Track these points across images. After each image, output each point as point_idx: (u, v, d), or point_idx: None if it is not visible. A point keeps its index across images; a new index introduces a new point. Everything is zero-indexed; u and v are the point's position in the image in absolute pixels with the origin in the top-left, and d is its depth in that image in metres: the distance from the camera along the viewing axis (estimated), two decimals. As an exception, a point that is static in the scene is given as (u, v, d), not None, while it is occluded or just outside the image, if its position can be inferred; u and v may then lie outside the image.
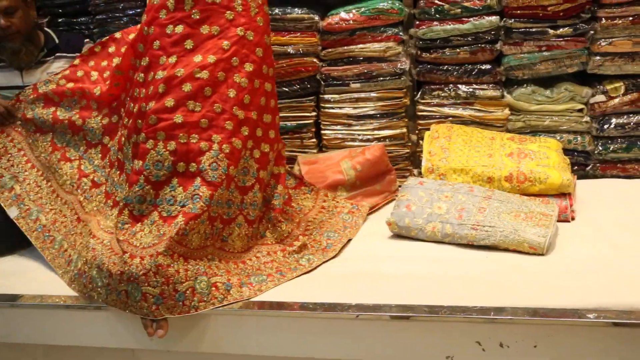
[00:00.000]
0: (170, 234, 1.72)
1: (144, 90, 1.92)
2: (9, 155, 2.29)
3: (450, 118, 2.65)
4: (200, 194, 1.76)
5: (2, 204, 2.20)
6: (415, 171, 2.64)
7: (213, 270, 1.81)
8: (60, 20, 2.93)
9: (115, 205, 2.00)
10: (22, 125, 2.25)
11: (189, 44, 1.88)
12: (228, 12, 1.90)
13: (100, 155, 2.15)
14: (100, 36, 2.82)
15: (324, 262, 1.99)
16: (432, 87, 2.66)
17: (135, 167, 1.83)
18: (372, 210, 2.41)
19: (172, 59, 1.87)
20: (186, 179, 1.79)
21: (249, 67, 1.90)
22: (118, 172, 2.08)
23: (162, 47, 1.90)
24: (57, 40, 2.61)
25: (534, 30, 2.50)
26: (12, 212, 2.16)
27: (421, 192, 2.16)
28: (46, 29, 2.70)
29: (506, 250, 1.95)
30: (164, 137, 1.81)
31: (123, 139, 2.03)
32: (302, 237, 2.02)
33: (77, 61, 2.18)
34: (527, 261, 1.85)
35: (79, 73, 2.17)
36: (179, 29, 1.87)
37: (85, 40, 2.71)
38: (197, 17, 1.88)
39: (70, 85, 2.18)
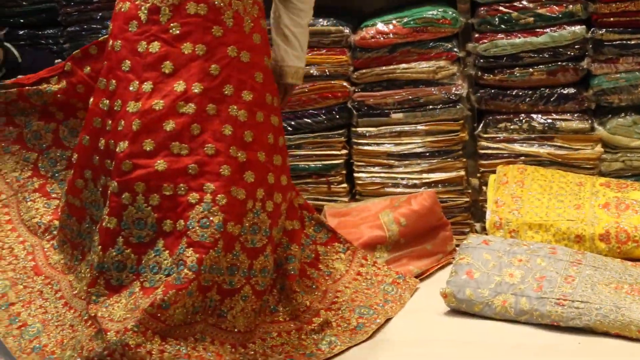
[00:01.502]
0: (143, 305, 1.70)
1: (110, 122, 1.90)
2: None
3: (523, 157, 2.60)
4: (185, 259, 1.73)
5: None
6: (478, 226, 2.61)
7: (199, 352, 1.73)
8: (21, 32, 2.91)
9: (84, 258, 2.01)
10: None
11: (167, 67, 1.85)
12: (215, 27, 1.89)
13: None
14: (71, 52, 2.79)
15: (350, 348, 1.91)
16: (498, 117, 2.62)
17: (109, 224, 1.82)
18: (421, 277, 2.37)
19: (147, 87, 1.84)
20: (174, 239, 1.78)
21: (247, 95, 1.88)
22: (74, 218, 2.09)
23: (134, 69, 1.87)
24: (19, 59, 2.65)
25: (632, 42, 2.45)
26: None
27: (486, 255, 2.14)
28: (6, 43, 2.69)
29: (606, 334, 1.88)
30: (143, 189, 1.81)
31: (78, 179, 2.04)
32: (324, 312, 1.93)
33: (67, 66, 2.17)
34: (638, 350, 1.78)
35: (79, 88, 2.15)
36: (155, 47, 1.85)
37: (57, 60, 2.72)
38: (177, 32, 1.87)
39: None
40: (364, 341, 1.95)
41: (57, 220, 2.15)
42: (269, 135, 1.93)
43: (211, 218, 1.77)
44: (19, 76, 2.50)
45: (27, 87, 2.13)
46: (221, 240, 1.78)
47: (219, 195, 1.79)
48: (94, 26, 2.84)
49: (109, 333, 1.67)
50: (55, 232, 2.15)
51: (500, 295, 2.01)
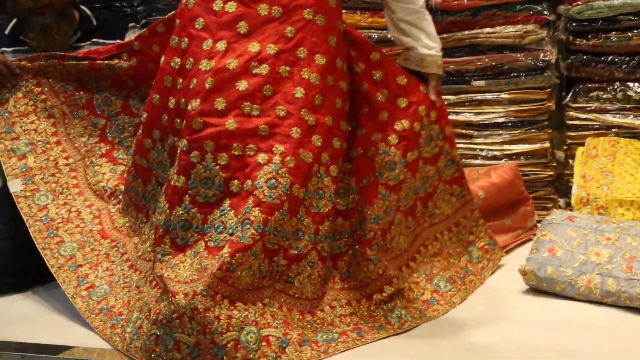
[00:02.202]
0: (212, 269, 1.71)
1: (181, 80, 1.91)
2: (35, 118, 2.28)
3: (615, 129, 2.53)
4: (252, 218, 1.74)
5: (4, 172, 2.19)
6: (562, 202, 2.57)
7: (267, 319, 1.74)
8: (96, -5, 2.93)
9: (149, 220, 2.05)
10: (63, 86, 2.28)
11: (242, 28, 1.86)
12: None
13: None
14: (146, 17, 2.80)
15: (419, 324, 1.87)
16: (589, 86, 2.57)
17: (177, 183, 1.83)
18: None
19: (221, 46, 1.85)
20: (240, 200, 1.79)
21: (320, 59, 1.88)
22: (140, 179, 2.12)
23: (207, 27, 1.88)
24: (94, 22, 2.62)
25: None
26: (14, 186, 2.14)
27: (571, 232, 2.09)
28: (81, 6, 2.70)
29: None
30: (213, 147, 1.81)
31: (147, 139, 2.07)
32: (396, 280, 1.89)
33: (136, 45, 2.19)
34: None
35: (150, 65, 2.15)
36: (231, 6, 1.85)
37: (130, 24, 2.71)
38: None
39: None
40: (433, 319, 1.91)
41: (122, 185, 2.19)
42: (337, 100, 1.93)
43: (279, 179, 1.77)
44: (94, 39, 2.57)
45: (98, 62, 2.18)
46: (287, 202, 1.78)
47: (287, 157, 1.80)
48: (164, -10, 2.88)
49: (177, 296, 1.67)
50: (120, 197, 2.19)
51: (585, 275, 1.96)
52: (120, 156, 2.25)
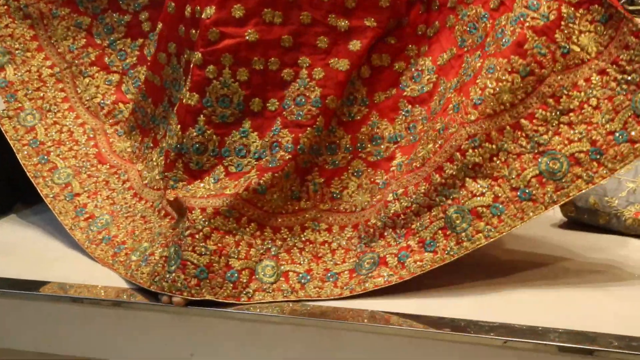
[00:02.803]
0: (236, 189, 1.67)
1: None
2: (9, 20, 2.13)
3: None
4: (280, 139, 1.72)
5: None
6: None
7: (292, 255, 1.70)
8: None
9: (156, 146, 1.99)
10: None
11: None
12: None
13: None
14: None
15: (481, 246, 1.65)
16: None
17: (190, 101, 1.77)
18: None
19: None
20: (264, 121, 1.75)
21: None
22: (150, 99, 2.03)
23: None
24: None
25: None
26: None
27: None
28: None
29: None
30: (231, 61, 1.74)
31: (161, 52, 1.97)
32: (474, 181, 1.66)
33: None
34: None
35: None
36: None
37: None
38: None
39: None
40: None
41: (122, 103, 2.10)
42: None
43: (307, 94, 1.74)
44: None
45: None
46: (320, 116, 1.74)
47: (315, 69, 1.76)
48: None
49: (194, 211, 1.63)
50: (119, 117, 2.10)
51: (634, 205, 1.89)
52: (113, 62, 2.13)
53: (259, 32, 1.75)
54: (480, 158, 1.62)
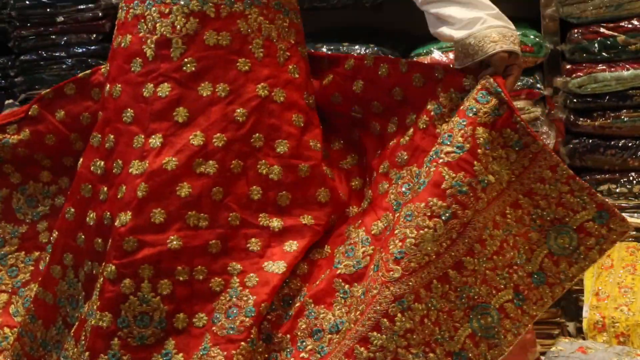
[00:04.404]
0: None
1: (105, 188, 1.79)
2: None
3: (634, 232, 2.36)
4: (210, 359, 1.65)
5: None
6: (572, 326, 2.43)
7: None
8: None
9: None
10: None
11: (180, 115, 1.74)
12: (241, 59, 1.77)
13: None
14: (26, 90, 2.73)
15: None
16: (598, 177, 2.53)
17: (101, 322, 1.68)
18: None
19: (155, 141, 1.73)
20: (190, 339, 1.69)
21: (282, 147, 1.76)
22: (40, 320, 1.91)
23: (138, 119, 1.77)
24: None
25: None
26: None
27: None
28: None
29: None
30: (151, 273, 1.68)
31: (55, 265, 1.89)
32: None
33: (34, 109, 2.01)
34: None
35: (49, 139, 2.02)
36: (164, 89, 1.76)
37: (7, 101, 2.68)
38: (193, 68, 1.76)
39: None
40: None
41: (8, 328, 1.99)
42: (318, 191, 1.79)
43: (240, 304, 1.70)
44: None
45: None
46: (254, 327, 1.67)
47: (248, 275, 1.72)
48: (57, 54, 2.79)
49: None
50: (3, 345, 1.98)
51: None
52: (1, 280, 2.04)
53: (183, 238, 1.71)
54: (412, 323, 1.51)
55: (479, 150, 1.56)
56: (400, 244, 1.56)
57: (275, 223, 1.77)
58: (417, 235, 1.54)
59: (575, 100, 2.46)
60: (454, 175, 1.55)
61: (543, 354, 2.09)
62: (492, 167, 1.57)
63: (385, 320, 1.53)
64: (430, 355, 1.52)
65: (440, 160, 1.56)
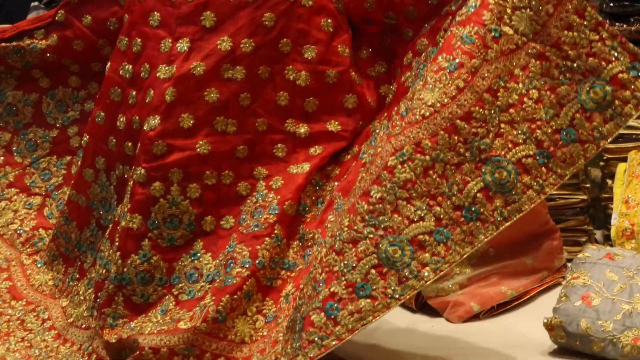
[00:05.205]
0: (193, 322, 1.63)
1: (133, 93, 1.83)
2: None
3: None
4: (236, 255, 1.70)
5: None
6: (599, 234, 2.52)
7: None
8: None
9: (84, 277, 1.93)
10: None
11: (208, 19, 1.76)
12: None
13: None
14: None
15: None
16: None
17: (131, 224, 1.74)
18: (517, 302, 2.26)
19: (183, 45, 1.77)
20: (217, 239, 1.75)
21: (309, 52, 1.78)
22: (74, 222, 1.99)
23: (165, 23, 1.80)
24: None
25: None
26: None
27: (611, 274, 2.02)
28: None
29: None
30: (180, 177, 1.74)
31: (87, 168, 1.95)
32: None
33: (60, 14, 2.03)
34: None
35: (77, 44, 2.04)
36: None
37: (33, 3, 2.72)
38: None
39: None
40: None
41: (43, 229, 2.06)
42: (347, 96, 1.82)
43: (265, 205, 1.74)
44: None
45: (2, 44, 2.03)
46: (277, 224, 1.72)
47: (274, 179, 1.76)
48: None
49: (143, 352, 1.60)
50: (39, 245, 2.06)
51: (631, 330, 1.88)
52: (35, 183, 2.10)
53: (212, 143, 1.74)
54: (412, 173, 1.49)
55: (491, 0, 1.51)
56: (408, 102, 1.58)
57: (302, 129, 1.80)
58: (421, 88, 1.53)
59: (612, 4, 2.45)
60: (462, 29, 1.53)
61: (570, 260, 2.19)
62: (510, 19, 1.51)
63: (385, 172, 1.51)
64: (436, 208, 1.48)
65: (453, 25, 1.55)
